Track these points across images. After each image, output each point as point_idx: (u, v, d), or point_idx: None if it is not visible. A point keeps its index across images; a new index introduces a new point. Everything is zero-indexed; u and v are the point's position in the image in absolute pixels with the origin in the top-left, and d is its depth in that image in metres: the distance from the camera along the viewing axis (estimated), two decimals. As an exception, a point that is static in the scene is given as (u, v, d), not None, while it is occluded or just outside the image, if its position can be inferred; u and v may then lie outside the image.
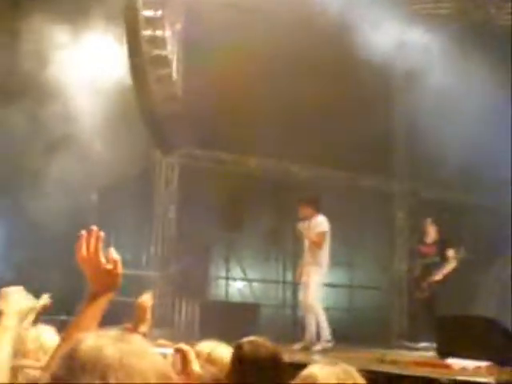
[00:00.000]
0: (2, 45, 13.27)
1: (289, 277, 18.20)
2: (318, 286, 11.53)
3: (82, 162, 14.97)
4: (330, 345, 11.44)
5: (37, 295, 8.19)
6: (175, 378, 1.65)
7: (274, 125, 15.78)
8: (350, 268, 18.71)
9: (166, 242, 15.90)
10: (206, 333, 9.99)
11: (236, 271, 17.25)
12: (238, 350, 3.84)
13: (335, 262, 18.49)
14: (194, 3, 15.74)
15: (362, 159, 17.34)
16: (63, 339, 2.34)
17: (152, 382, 1.55)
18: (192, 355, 3.44)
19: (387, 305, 18.78)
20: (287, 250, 18.11)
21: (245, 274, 17.36)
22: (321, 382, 2.72)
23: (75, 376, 1.52)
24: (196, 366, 3.43)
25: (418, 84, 16.46)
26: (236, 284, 17.38)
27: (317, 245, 11.37)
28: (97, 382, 1.49)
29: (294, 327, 17.83)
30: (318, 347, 11.25)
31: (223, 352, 4.15)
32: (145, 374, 1.55)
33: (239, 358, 3.78)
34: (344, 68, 16.24)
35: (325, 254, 11.50)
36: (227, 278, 17.15)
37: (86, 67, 14.42)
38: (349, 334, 17.07)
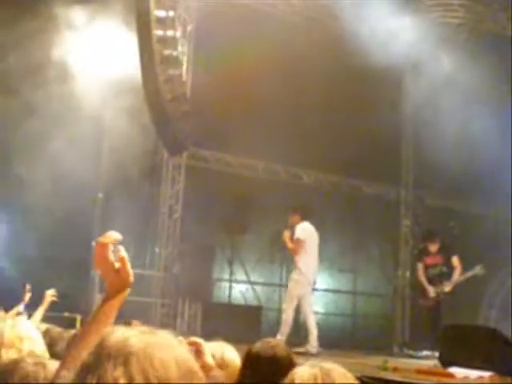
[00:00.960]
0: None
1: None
2: (293, 293, 11.59)
3: (88, 161, 15.00)
4: (313, 351, 11.39)
5: (41, 292, 8.20)
6: (198, 370, 1.68)
7: (282, 129, 15.81)
8: (354, 275, 18.71)
9: (170, 243, 15.89)
10: (208, 334, 10.00)
11: (239, 274, 17.25)
12: (254, 349, 3.88)
13: (339, 268, 18.60)
14: (205, 4, 15.75)
15: (368, 166, 17.35)
16: (78, 336, 2.39)
17: (174, 372, 1.60)
18: (204, 348, 3.49)
19: (390, 312, 18.76)
20: (291, 254, 18.11)
21: (248, 277, 17.36)
22: (297, 382, 2.71)
23: (101, 362, 1.59)
24: (209, 358, 3.48)
25: (424, 93, 16.47)
26: (239, 286, 17.39)
27: (291, 251, 11.62)
28: (120, 368, 1.56)
29: (296, 331, 17.85)
30: (300, 349, 11.15)
31: (232, 354, 4.19)
32: (167, 364, 1.60)
33: (255, 358, 3.82)
34: (353, 75, 16.22)
35: (303, 260, 11.53)
36: (230, 281, 17.15)
37: (96, 65, 14.44)
38: (351, 340, 17.10)
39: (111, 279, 2.52)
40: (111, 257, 2.52)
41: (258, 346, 3.94)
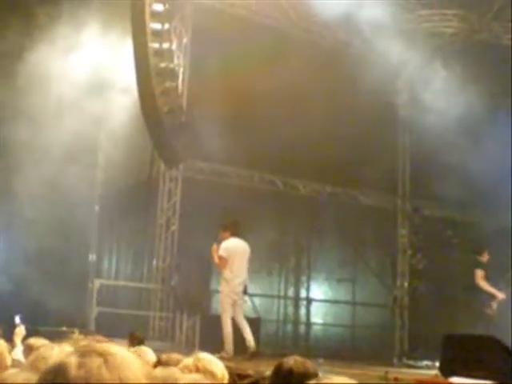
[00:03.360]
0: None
1: (290, 292, 18.18)
2: (223, 305, 12.27)
3: (84, 174, 14.98)
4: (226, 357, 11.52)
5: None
6: None
7: (278, 139, 15.77)
8: (353, 285, 18.66)
9: (167, 255, 15.84)
10: (207, 346, 9.96)
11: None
12: (286, 365, 3.98)
13: (338, 278, 18.57)
14: (200, 17, 15.76)
15: (365, 176, 17.32)
16: None
17: None
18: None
19: (389, 322, 18.72)
20: (289, 265, 18.09)
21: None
22: None
23: None
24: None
25: (421, 103, 16.50)
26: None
27: (216, 265, 12.50)
28: None
29: (294, 342, 17.80)
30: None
31: (217, 365, 4.23)
32: None
33: (285, 373, 3.93)
34: (350, 86, 16.23)
35: (227, 275, 12.24)
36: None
37: (93, 78, 14.44)
38: (351, 350, 17.04)
39: None
40: None
41: (290, 362, 4.04)
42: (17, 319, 8.15)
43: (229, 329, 11.98)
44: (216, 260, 12.23)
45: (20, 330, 7.60)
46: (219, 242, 12.30)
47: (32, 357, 3.33)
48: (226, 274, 12.23)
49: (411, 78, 17.57)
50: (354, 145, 16.63)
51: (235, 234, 12.49)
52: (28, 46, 13.43)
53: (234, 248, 12.32)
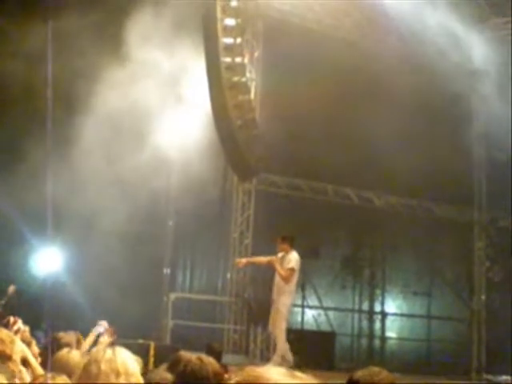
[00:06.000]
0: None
1: (365, 306, 18.03)
2: (282, 316, 12.11)
3: (159, 188, 15.12)
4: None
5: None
6: None
7: (352, 151, 15.68)
8: (428, 298, 18.41)
9: (241, 269, 15.88)
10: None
11: (312, 299, 17.13)
12: (355, 376, 3.90)
13: (413, 292, 18.34)
14: (272, 31, 15.82)
15: (440, 188, 17.10)
16: None
17: None
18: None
19: (465, 336, 18.39)
20: (363, 278, 17.95)
21: (320, 302, 17.23)
22: None
23: None
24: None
25: (497, 113, 16.21)
26: (311, 312, 17.26)
27: (284, 279, 12.07)
28: None
29: (369, 356, 17.62)
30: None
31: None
32: None
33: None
34: (422, 96, 16.06)
35: (292, 288, 12.23)
36: (303, 306, 17.04)
37: (167, 92, 14.60)
38: (426, 365, 16.80)
39: None
40: None
41: (359, 373, 3.93)
42: (101, 328, 8.21)
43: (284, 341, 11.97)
44: (283, 272, 12.03)
45: (105, 340, 7.67)
46: (277, 254, 12.21)
47: None
48: (291, 286, 12.17)
49: (487, 86, 17.24)
50: (429, 156, 16.41)
51: (293, 246, 12.38)
52: (102, 65, 13.64)
53: (299, 263, 12.24)
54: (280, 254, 12.16)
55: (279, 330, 12.04)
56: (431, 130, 16.46)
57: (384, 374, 3.95)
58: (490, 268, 18.31)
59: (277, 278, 12.21)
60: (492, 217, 18.73)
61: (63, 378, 3.24)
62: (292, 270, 12.02)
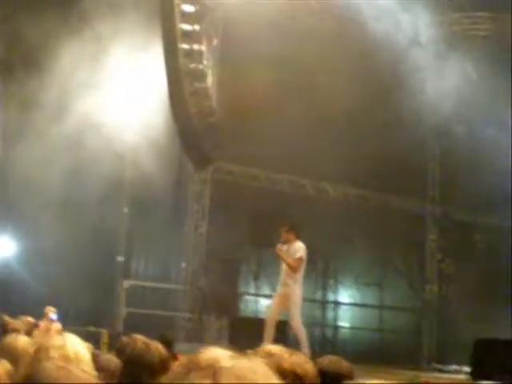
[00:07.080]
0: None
1: (318, 295, 18.12)
2: (298, 307, 11.87)
3: (113, 175, 15.01)
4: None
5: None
6: None
7: (308, 142, 15.70)
8: (380, 289, 18.56)
9: (196, 257, 15.85)
10: (235, 349, 9.94)
11: (266, 288, 17.16)
12: (319, 365, 3.87)
13: (365, 282, 18.48)
14: (231, 19, 15.75)
15: (394, 181, 17.21)
16: None
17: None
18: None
19: (417, 326, 18.59)
20: (317, 268, 18.00)
21: (274, 291, 17.25)
22: None
23: (190, 373, 1.70)
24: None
25: (451, 107, 16.35)
26: (265, 301, 17.29)
27: (293, 269, 11.80)
28: (207, 379, 1.64)
29: (322, 345, 17.71)
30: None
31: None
32: None
33: (321, 373, 3.84)
34: (379, 87, 16.15)
35: (300, 275, 11.85)
36: (257, 295, 17.06)
37: (122, 79, 14.49)
38: (379, 354, 16.93)
39: None
40: None
41: (323, 361, 3.96)
42: (53, 316, 8.14)
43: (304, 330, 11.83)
44: (292, 262, 11.72)
45: (57, 327, 7.60)
46: (285, 243, 11.84)
47: None
48: (300, 276, 11.89)
49: (443, 80, 17.36)
50: (384, 149, 16.48)
51: (298, 236, 12.12)
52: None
53: (306, 251, 11.95)
54: (282, 245, 11.87)
55: (298, 323, 11.81)
56: (386, 120, 16.52)
57: (344, 363, 3.99)
58: (442, 260, 18.50)
59: (284, 269, 11.95)
60: (445, 210, 18.91)
61: (2, 364, 3.15)
62: (301, 259, 11.79)
